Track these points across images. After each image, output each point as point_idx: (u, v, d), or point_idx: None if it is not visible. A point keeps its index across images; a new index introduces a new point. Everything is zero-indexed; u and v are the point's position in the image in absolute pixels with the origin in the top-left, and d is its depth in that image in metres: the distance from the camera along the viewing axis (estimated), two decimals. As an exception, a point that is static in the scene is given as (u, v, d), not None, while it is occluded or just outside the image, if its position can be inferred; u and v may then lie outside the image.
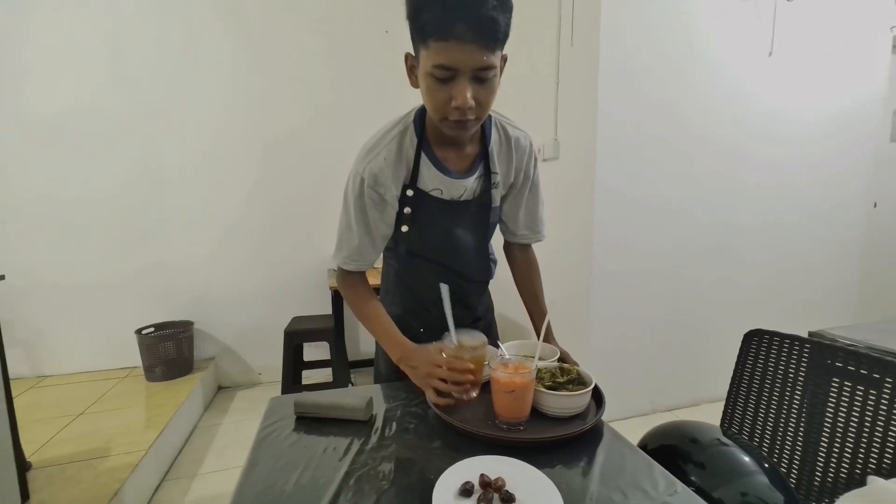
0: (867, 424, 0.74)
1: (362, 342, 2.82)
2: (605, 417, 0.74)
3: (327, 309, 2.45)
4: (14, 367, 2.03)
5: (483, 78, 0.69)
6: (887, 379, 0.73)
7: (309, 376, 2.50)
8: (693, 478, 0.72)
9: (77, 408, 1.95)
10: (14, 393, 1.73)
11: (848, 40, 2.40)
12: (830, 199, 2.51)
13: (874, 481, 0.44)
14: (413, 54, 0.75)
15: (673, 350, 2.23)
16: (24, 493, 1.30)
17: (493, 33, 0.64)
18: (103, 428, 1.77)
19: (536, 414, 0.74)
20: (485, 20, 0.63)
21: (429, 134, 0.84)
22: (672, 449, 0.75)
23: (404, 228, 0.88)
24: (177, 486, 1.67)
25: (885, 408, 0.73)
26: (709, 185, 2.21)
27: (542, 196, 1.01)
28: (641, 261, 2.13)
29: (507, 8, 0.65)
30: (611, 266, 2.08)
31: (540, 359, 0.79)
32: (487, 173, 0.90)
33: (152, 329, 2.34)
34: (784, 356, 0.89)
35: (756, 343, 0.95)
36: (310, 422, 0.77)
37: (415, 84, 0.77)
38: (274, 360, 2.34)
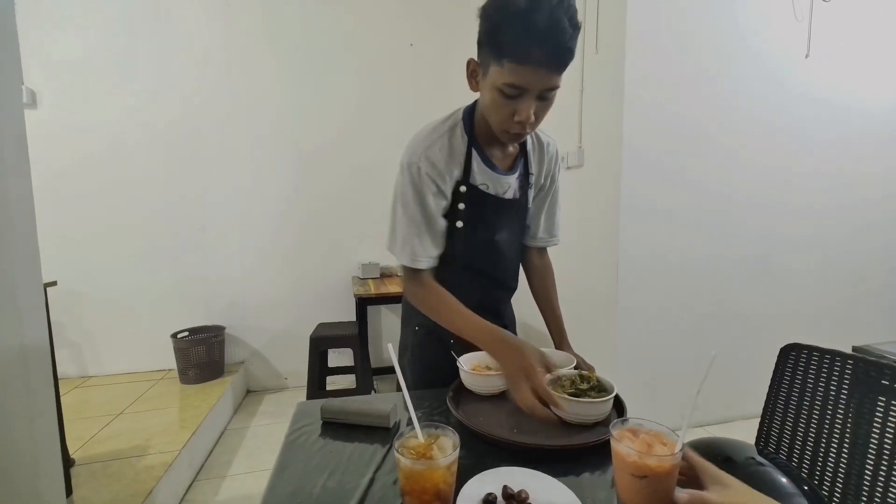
0: (918, 447, 0.69)
1: (385, 349, 2.85)
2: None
3: (352, 316, 2.49)
4: (62, 367, 2.17)
5: (547, 97, 0.73)
6: (941, 399, 0.69)
7: (333, 382, 2.55)
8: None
9: (118, 407, 2.06)
10: (61, 392, 1.84)
11: (888, 37, 2.28)
12: (876, 206, 2.37)
13: None
14: (477, 60, 0.78)
15: (701, 359, 2.14)
16: (69, 489, 1.38)
17: (567, 61, 0.69)
18: (142, 427, 1.86)
19: (558, 421, 0.73)
20: (563, 50, 0.67)
21: (478, 133, 0.87)
22: (703, 467, 0.73)
23: (459, 224, 0.89)
24: (208, 486, 1.72)
25: (938, 430, 0.68)
26: (743, 197, 2.14)
27: (561, 201, 1.05)
28: (671, 272, 2.07)
29: (578, 35, 0.68)
30: (638, 277, 2.03)
31: (557, 367, 0.78)
32: (526, 173, 0.94)
33: (187, 333, 2.44)
34: (825, 372, 0.85)
35: (794, 358, 0.90)
36: (336, 427, 0.79)
37: (474, 88, 0.81)
38: (300, 365, 2.40)
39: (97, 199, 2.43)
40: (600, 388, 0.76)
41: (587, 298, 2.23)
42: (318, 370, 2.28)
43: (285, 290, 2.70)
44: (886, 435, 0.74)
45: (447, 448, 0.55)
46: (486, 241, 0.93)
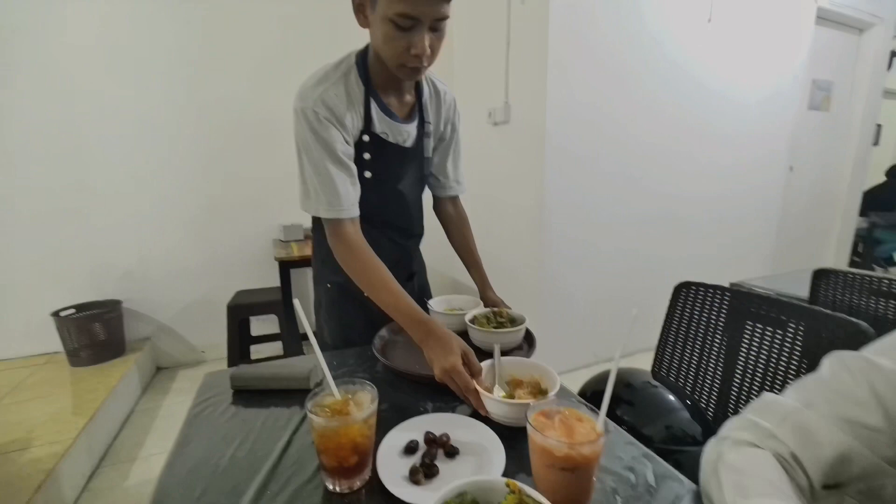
0: (773, 360, 0.83)
1: (314, 312, 2.74)
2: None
3: (275, 281, 2.34)
4: None
5: (438, 28, 0.72)
6: (791, 321, 0.82)
7: (258, 351, 2.41)
8: (626, 418, 0.77)
9: (-12, 400, 1.76)
10: None
11: (777, 11, 2.53)
12: (754, 165, 2.71)
13: (765, 396, 0.49)
14: None
15: (614, 305, 2.37)
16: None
17: None
18: (22, 419, 1.61)
19: (476, 352, 0.77)
20: None
21: (374, 79, 0.84)
22: (608, 394, 0.80)
23: (367, 175, 0.87)
24: (115, 471, 1.58)
25: (788, 345, 0.81)
26: (651, 151, 2.30)
27: (462, 152, 1.07)
28: (589, 223, 2.21)
29: None
30: (561, 229, 2.14)
31: (461, 309, 0.89)
32: (423, 122, 0.93)
33: (73, 310, 2.12)
34: (708, 305, 0.97)
35: (685, 294, 1.02)
36: (249, 395, 0.74)
37: (363, 24, 0.78)
38: (219, 336, 2.22)
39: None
40: (512, 321, 0.87)
41: (514, 249, 2.32)
42: (239, 340, 2.13)
43: (194, 257, 2.43)
44: (752, 352, 0.87)
45: (364, 403, 0.53)
46: (392, 190, 0.93)
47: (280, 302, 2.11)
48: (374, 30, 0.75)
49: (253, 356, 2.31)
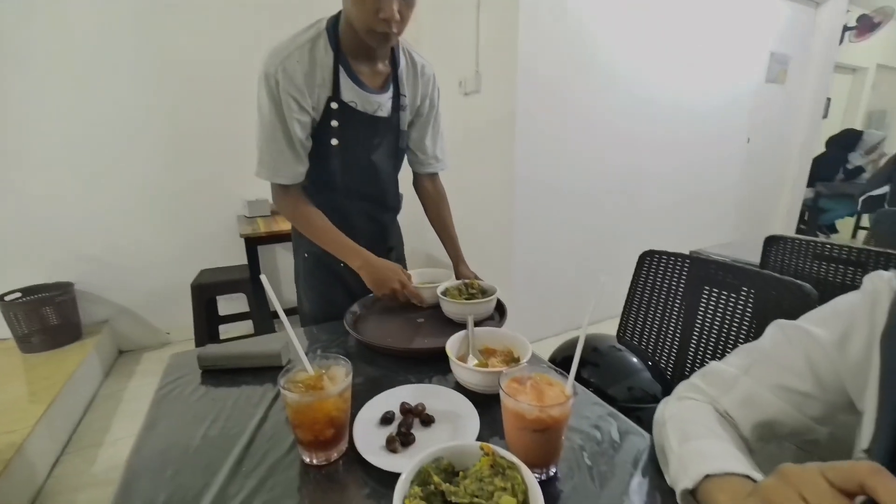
0: (727, 322, 0.89)
1: (285, 289, 2.69)
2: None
3: (241, 259, 2.26)
4: None
5: None
6: (744, 285, 0.87)
7: (227, 331, 2.35)
8: (593, 380, 0.82)
9: (-70, 392, 1.64)
10: None
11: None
12: (716, 137, 2.80)
13: (710, 364, 0.53)
14: None
15: (582, 275, 2.45)
16: None
17: None
18: (-29, 410, 1.52)
19: (449, 323, 0.85)
20: None
21: (344, 46, 0.83)
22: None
23: (334, 142, 0.87)
24: (80, 458, 1.53)
25: (741, 307, 0.87)
26: (617, 124, 2.33)
27: (444, 128, 1.07)
28: (559, 195, 2.24)
29: None
30: (531, 200, 2.15)
31: (433, 282, 0.92)
32: (398, 95, 0.93)
33: (19, 294, 1.98)
34: (670, 272, 1.01)
35: (649, 262, 1.06)
36: (219, 375, 0.72)
37: None
38: (185, 317, 2.15)
39: None
40: (483, 292, 0.90)
41: (485, 221, 2.33)
42: (207, 320, 2.07)
43: (151, 236, 2.29)
44: (707, 315, 0.92)
45: (339, 377, 0.53)
46: (362, 160, 0.93)
47: (248, 280, 2.05)
48: None
49: (222, 336, 2.25)
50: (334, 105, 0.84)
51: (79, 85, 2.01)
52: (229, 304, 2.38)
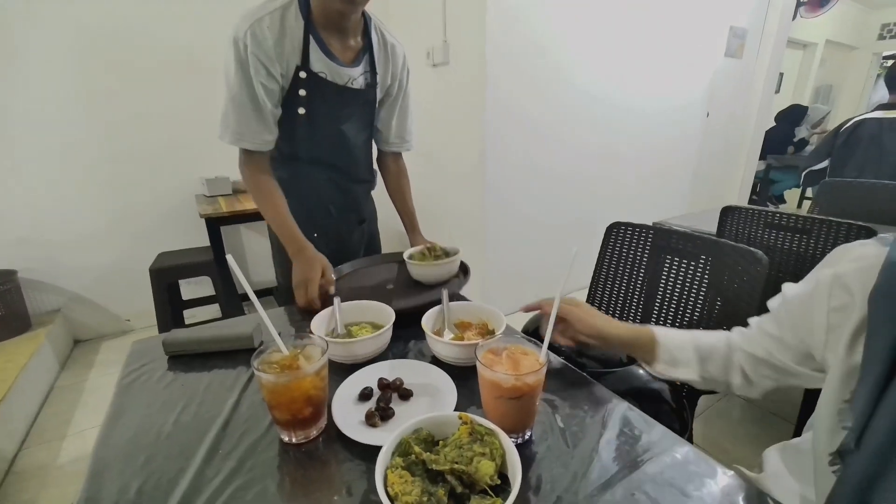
0: (686, 287, 0.94)
1: (252, 271, 2.60)
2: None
3: (201, 240, 2.16)
4: None
5: None
6: (702, 254, 0.92)
7: (193, 315, 2.27)
8: (564, 348, 0.85)
9: None
10: None
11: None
12: (677, 112, 2.88)
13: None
14: None
15: (553, 247, 2.51)
16: None
17: None
18: (-90, 410, 1.41)
19: (417, 287, 0.88)
20: None
21: (315, 17, 0.83)
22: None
23: (301, 111, 0.87)
24: (43, 451, 1.46)
25: (699, 274, 0.92)
26: (586, 97, 2.33)
27: (412, 108, 1.08)
28: (531, 168, 2.25)
29: None
30: (502, 174, 2.15)
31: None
32: (371, 70, 0.93)
33: (-46, 285, 1.82)
34: (635, 242, 1.06)
35: (615, 234, 1.10)
36: (188, 360, 0.70)
37: None
38: (146, 303, 2.05)
39: None
40: (447, 254, 0.92)
41: (457, 196, 2.32)
42: (170, 306, 1.98)
43: (100, 218, 2.14)
44: (668, 283, 0.97)
45: (315, 356, 0.53)
46: (332, 130, 0.93)
47: (212, 262, 1.97)
48: None
49: (188, 321, 2.17)
50: (303, 74, 0.83)
51: (16, 61, 1.81)
52: (193, 287, 2.29)
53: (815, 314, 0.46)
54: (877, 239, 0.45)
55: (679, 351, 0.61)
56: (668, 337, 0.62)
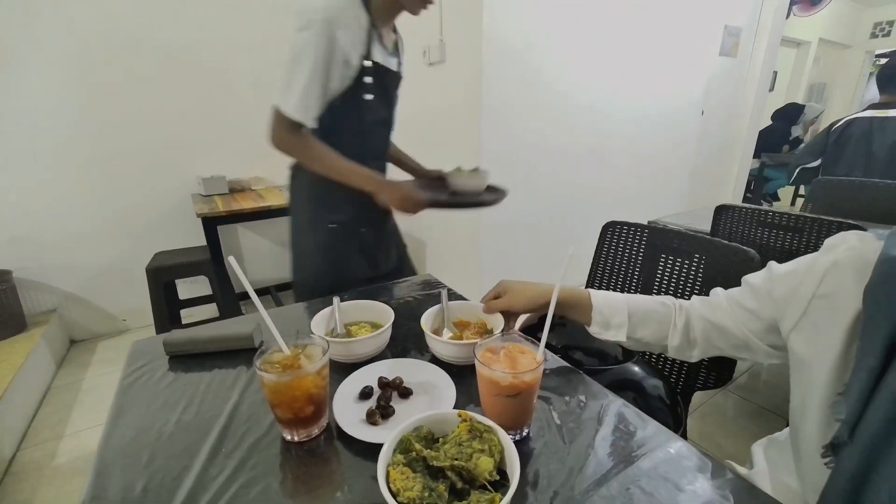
0: (680, 286, 0.95)
1: (250, 269, 2.60)
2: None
3: (197, 240, 2.15)
4: None
5: None
6: (696, 252, 0.93)
7: (190, 315, 2.27)
8: (560, 346, 0.86)
9: None
10: None
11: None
12: (673, 111, 2.89)
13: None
14: None
15: (550, 246, 2.52)
16: None
17: None
18: None
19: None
20: None
21: (374, 9, 0.90)
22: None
23: (369, 97, 0.94)
24: (40, 451, 1.46)
25: (693, 272, 0.93)
26: (584, 97, 2.35)
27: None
28: (527, 168, 2.26)
29: None
30: (499, 173, 2.15)
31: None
32: (400, 57, 1.04)
33: (-52, 285, 1.81)
34: (630, 241, 1.07)
35: (611, 233, 1.11)
36: (188, 360, 0.70)
37: None
38: (142, 302, 2.05)
39: None
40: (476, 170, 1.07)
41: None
42: (167, 305, 1.98)
43: (95, 217, 2.13)
44: (663, 281, 0.99)
45: (316, 356, 0.53)
46: (387, 114, 1.03)
47: (209, 262, 1.96)
48: None
49: (184, 320, 2.17)
50: (367, 63, 0.91)
51: (10, 59, 1.80)
52: (190, 287, 2.28)
53: (799, 293, 0.48)
54: (872, 231, 0.46)
55: (612, 314, 0.65)
56: (604, 300, 0.67)
